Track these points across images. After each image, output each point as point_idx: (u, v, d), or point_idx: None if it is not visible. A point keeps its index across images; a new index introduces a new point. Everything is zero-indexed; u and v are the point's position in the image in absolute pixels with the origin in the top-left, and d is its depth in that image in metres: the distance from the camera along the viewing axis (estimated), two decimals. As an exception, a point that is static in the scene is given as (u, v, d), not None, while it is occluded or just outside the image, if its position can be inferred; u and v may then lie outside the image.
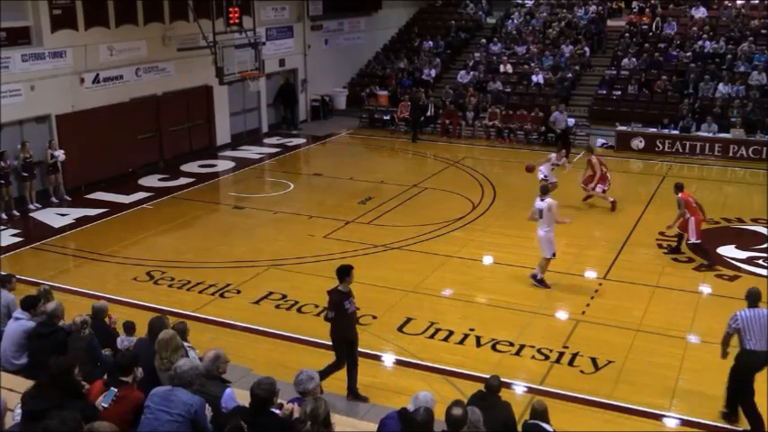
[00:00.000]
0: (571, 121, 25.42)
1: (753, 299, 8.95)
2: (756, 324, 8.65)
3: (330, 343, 9.89)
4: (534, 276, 13.62)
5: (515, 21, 32.37)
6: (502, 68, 28.94)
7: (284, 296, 13.15)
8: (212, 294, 13.34)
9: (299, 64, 28.40)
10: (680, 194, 14.59)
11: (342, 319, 9.56)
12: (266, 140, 26.11)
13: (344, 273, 9.53)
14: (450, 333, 11.77)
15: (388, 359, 11.16)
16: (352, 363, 9.76)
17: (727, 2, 30.31)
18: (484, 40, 31.18)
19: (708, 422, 9.49)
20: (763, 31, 27.95)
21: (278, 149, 24.95)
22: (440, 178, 21.22)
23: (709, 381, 10.37)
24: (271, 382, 6.22)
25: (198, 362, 6.88)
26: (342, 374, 9.83)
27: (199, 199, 19.41)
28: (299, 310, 12.65)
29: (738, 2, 30.24)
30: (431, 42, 31.55)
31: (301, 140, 26.31)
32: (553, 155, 18.70)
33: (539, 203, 13.35)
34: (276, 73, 27.20)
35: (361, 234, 16.44)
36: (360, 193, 19.62)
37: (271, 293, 13.28)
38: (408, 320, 12.14)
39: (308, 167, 24.01)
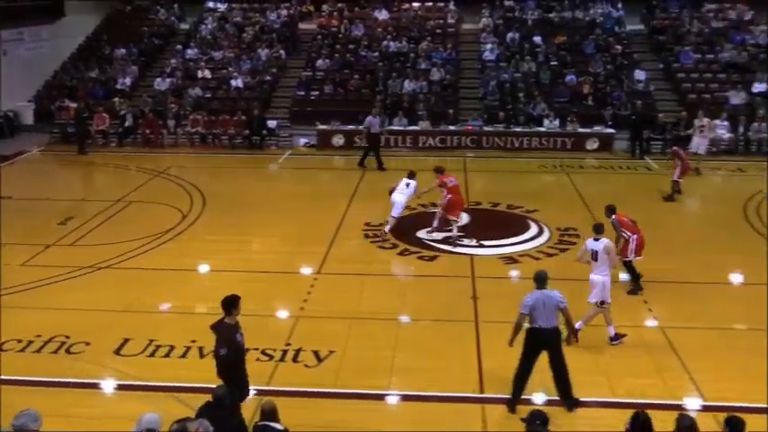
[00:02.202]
0: (273, 123, 25.97)
1: (540, 281, 9.58)
2: (542, 304, 9.37)
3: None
4: (612, 338, 11.48)
5: (209, 26, 32.15)
6: (200, 74, 28.66)
7: (-20, 335, 11.90)
8: None
9: (-27, 78, 25.80)
10: (613, 216, 13.19)
11: (236, 355, 8.86)
12: (-59, 165, 23.36)
13: (232, 304, 8.82)
14: (172, 348, 11.46)
15: (108, 385, 10.58)
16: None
17: (406, 4, 32.78)
18: (179, 46, 30.62)
19: (423, 393, 10.23)
20: (438, 31, 30.76)
21: (-43, 174, 22.44)
22: (145, 190, 20.48)
23: (423, 355, 11.30)
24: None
25: None
26: (63, 410, 9.18)
27: None
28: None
29: (415, 4, 32.84)
30: (123, 49, 30.25)
31: (-15, 162, 23.93)
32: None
33: (592, 244, 11.56)
34: (-54, 89, 24.48)
35: (65, 257, 15.37)
36: (59, 213, 18.28)
37: (-37, 334, 11.94)
38: (125, 341, 11.60)
39: (-6, 191, 21.88)
